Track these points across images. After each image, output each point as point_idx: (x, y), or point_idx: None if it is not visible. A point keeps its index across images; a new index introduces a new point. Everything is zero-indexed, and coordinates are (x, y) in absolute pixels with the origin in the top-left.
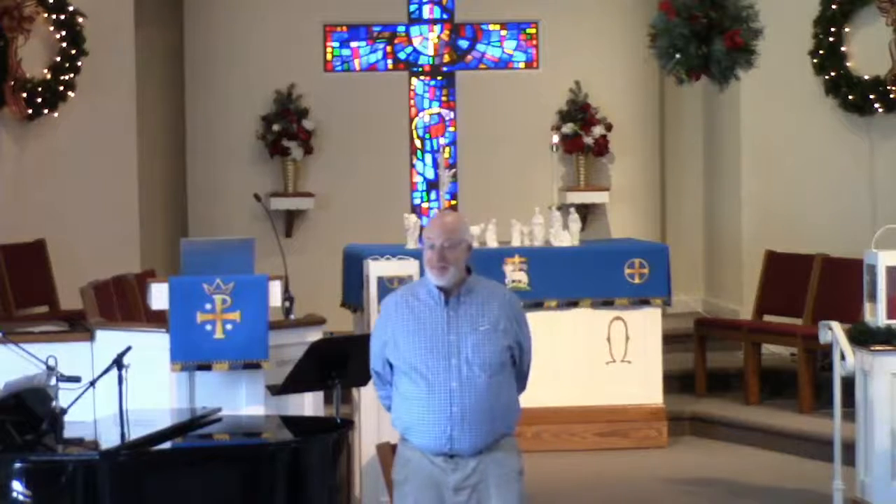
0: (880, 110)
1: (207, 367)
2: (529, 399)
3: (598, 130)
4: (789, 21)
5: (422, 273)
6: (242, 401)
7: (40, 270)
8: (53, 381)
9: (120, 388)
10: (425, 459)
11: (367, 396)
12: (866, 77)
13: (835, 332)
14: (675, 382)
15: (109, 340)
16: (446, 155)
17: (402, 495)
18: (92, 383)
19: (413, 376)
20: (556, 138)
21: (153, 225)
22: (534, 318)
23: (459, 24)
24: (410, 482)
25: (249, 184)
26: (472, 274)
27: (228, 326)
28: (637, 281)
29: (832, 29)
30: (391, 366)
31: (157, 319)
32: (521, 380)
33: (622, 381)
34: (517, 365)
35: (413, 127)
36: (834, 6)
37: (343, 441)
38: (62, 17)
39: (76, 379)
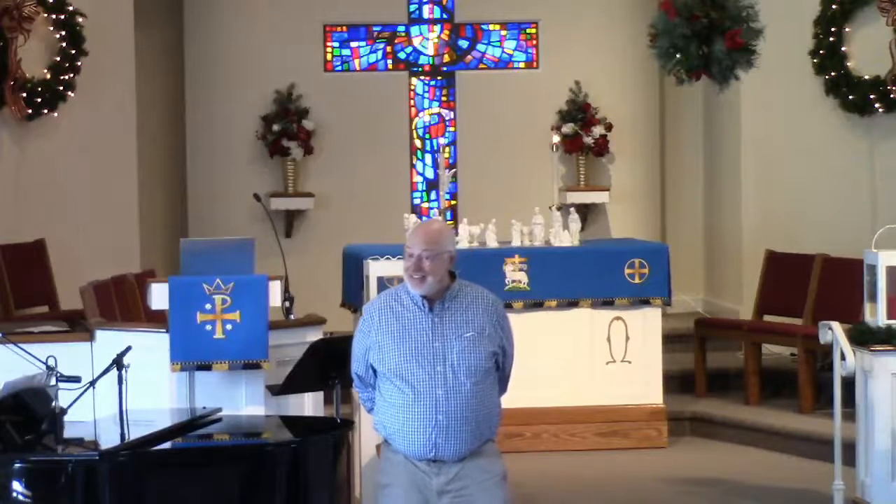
0: (880, 110)
1: (207, 367)
2: (529, 399)
3: (598, 130)
4: (789, 21)
5: None
6: (242, 401)
7: (40, 270)
8: (53, 381)
9: (120, 388)
10: (409, 463)
11: None
12: (866, 77)
13: (835, 332)
14: (675, 382)
15: (109, 340)
16: (446, 155)
17: (386, 497)
18: (92, 383)
19: (398, 383)
20: (556, 138)
21: (153, 225)
22: (534, 318)
23: (459, 24)
24: (396, 485)
25: (249, 184)
26: (456, 280)
27: (228, 326)
28: (637, 281)
29: (832, 29)
30: (374, 371)
31: (157, 319)
32: (503, 382)
33: (622, 381)
34: (500, 369)
35: (413, 127)
36: (834, 6)
37: (343, 441)
38: (62, 17)
39: (76, 379)
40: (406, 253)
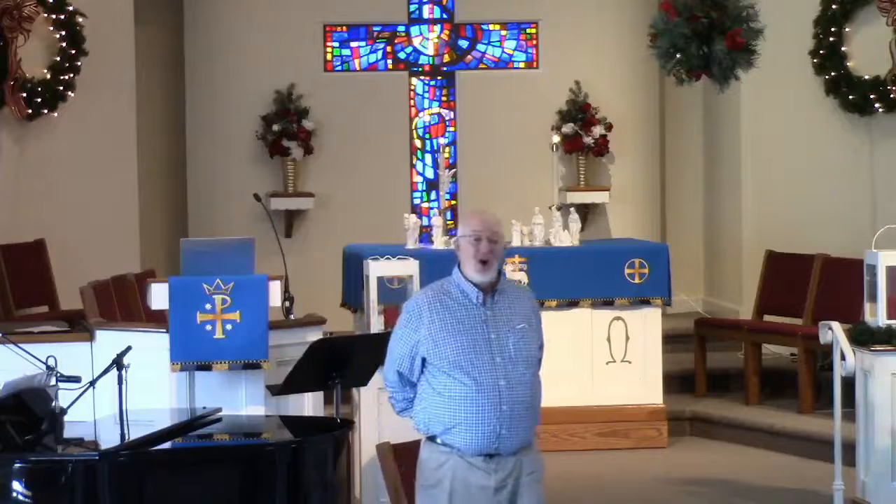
0: (880, 110)
1: (207, 368)
2: None
3: (598, 130)
4: (789, 21)
5: (423, 273)
6: (242, 401)
7: (40, 270)
8: (53, 381)
9: (120, 388)
10: (462, 461)
11: (367, 396)
12: (866, 77)
13: (835, 332)
14: (675, 382)
15: (109, 340)
16: (446, 155)
17: (431, 498)
18: (92, 383)
19: (457, 375)
20: (556, 138)
21: (153, 225)
22: None
23: (459, 24)
24: (444, 485)
25: (249, 184)
26: (501, 274)
27: (228, 326)
28: (637, 281)
29: (832, 29)
30: (423, 367)
31: (156, 319)
32: None
33: (622, 381)
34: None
35: (413, 127)
36: (834, 6)
37: (343, 441)
38: (62, 17)
39: (76, 379)
40: (468, 239)
